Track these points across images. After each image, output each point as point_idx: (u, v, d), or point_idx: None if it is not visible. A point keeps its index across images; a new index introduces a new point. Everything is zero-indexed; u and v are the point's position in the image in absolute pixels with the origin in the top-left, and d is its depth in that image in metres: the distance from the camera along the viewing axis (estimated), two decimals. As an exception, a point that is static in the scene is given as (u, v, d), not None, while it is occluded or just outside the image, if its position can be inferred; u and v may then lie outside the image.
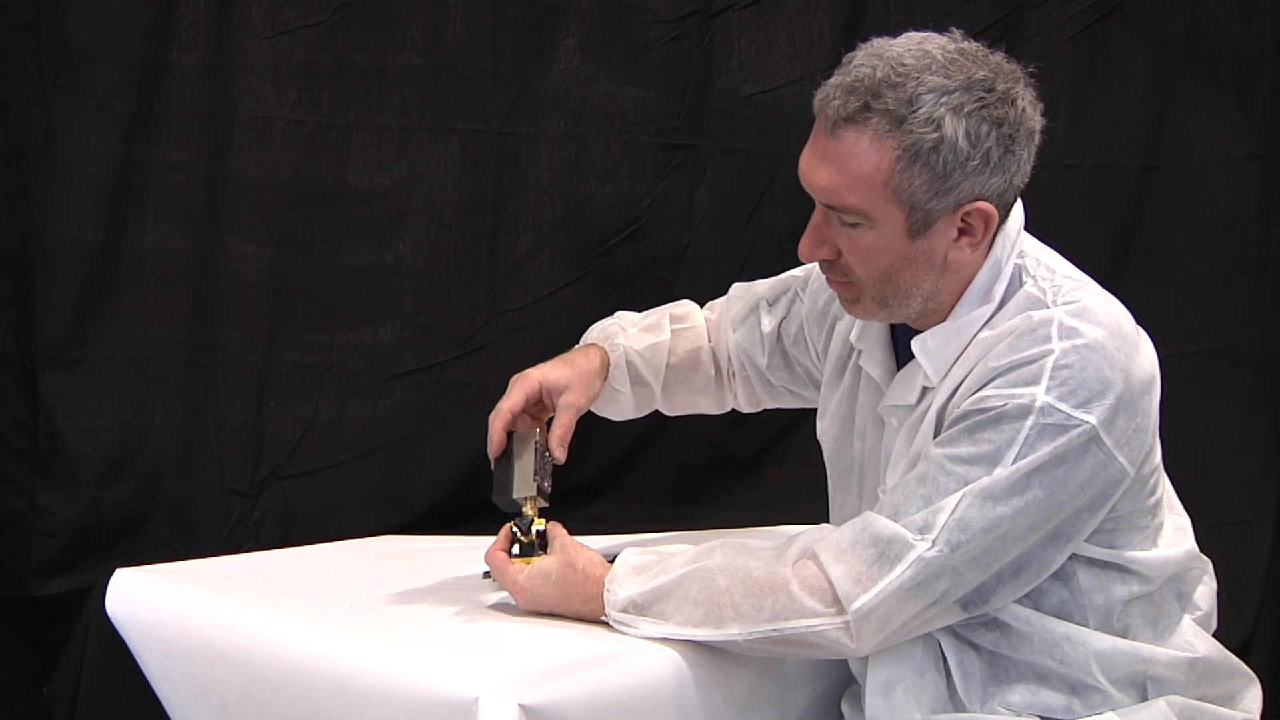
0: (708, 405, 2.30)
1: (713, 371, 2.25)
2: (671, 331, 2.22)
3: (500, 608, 1.96)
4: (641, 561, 1.90)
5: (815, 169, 1.81)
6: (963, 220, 1.81)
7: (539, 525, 1.97)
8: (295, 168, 2.66)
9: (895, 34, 1.84)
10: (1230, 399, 2.96)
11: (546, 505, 2.00)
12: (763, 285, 2.23)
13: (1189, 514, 2.01)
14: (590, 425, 2.17)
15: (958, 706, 1.87)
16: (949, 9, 2.73)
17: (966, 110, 1.76)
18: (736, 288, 2.26)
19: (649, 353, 2.19)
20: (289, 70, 2.64)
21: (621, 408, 2.23)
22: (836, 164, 1.79)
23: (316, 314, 2.70)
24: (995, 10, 2.78)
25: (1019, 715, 1.86)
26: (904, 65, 1.77)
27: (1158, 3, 2.84)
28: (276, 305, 2.68)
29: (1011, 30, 2.77)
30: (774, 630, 1.82)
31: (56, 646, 2.41)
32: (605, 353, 2.16)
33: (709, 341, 2.24)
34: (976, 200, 1.79)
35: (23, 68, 2.58)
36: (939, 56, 1.78)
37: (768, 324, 2.18)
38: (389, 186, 2.69)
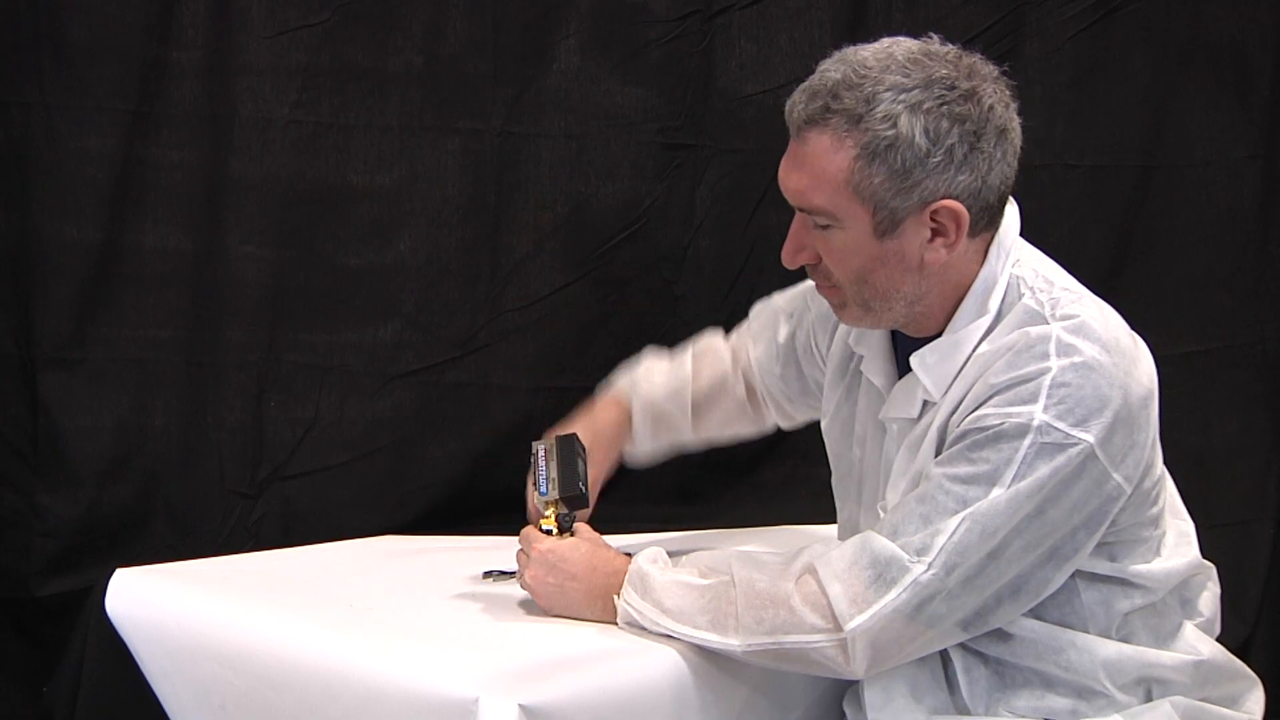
0: (745, 427, 2.31)
1: (742, 391, 2.26)
2: (693, 366, 2.24)
3: (500, 608, 1.97)
4: (662, 555, 1.93)
5: (788, 174, 1.84)
6: (933, 220, 1.81)
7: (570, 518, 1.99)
8: (295, 168, 2.66)
9: (896, 34, 1.84)
10: (1230, 399, 2.95)
11: (587, 507, 2.04)
12: (781, 298, 2.24)
13: (1189, 513, 2.01)
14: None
15: (961, 710, 1.87)
16: (949, 9, 2.73)
17: (925, 107, 1.76)
18: (757, 306, 2.28)
19: (674, 396, 2.22)
20: (289, 70, 2.63)
21: (649, 458, 2.27)
22: (804, 166, 1.81)
23: (316, 314, 2.69)
24: (995, 10, 2.77)
25: (1023, 719, 1.86)
26: (866, 67, 1.78)
27: (1158, 3, 2.83)
28: (276, 305, 2.68)
29: (1011, 30, 2.77)
30: (773, 643, 1.82)
31: (56, 646, 2.40)
32: (627, 408, 2.20)
33: (735, 365, 2.25)
34: (944, 199, 1.79)
35: (23, 68, 2.57)
36: (900, 57, 1.79)
37: (783, 334, 2.19)
38: (389, 186, 2.68)
